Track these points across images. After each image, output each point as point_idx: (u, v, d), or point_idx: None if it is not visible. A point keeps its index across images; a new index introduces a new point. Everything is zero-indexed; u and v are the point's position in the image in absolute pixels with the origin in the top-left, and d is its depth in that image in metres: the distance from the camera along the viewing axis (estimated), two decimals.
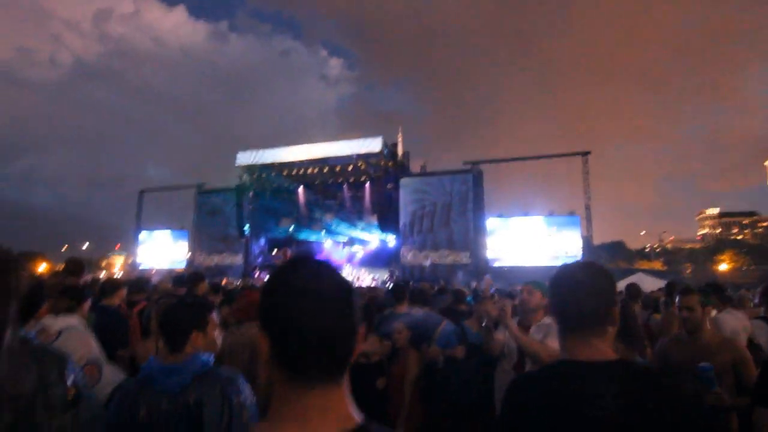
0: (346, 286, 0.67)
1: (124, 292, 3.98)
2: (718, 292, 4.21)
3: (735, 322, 3.70)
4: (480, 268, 16.52)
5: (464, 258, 16.84)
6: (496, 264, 17.02)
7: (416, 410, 3.20)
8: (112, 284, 3.96)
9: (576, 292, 1.07)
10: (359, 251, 20.85)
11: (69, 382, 1.30)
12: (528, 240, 16.91)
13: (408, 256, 17.74)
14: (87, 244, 39.28)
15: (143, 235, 23.30)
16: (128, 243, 25.40)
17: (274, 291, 0.67)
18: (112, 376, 2.31)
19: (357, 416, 0.65)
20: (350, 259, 20.23)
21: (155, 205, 24.35)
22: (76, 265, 3.97)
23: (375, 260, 19.28)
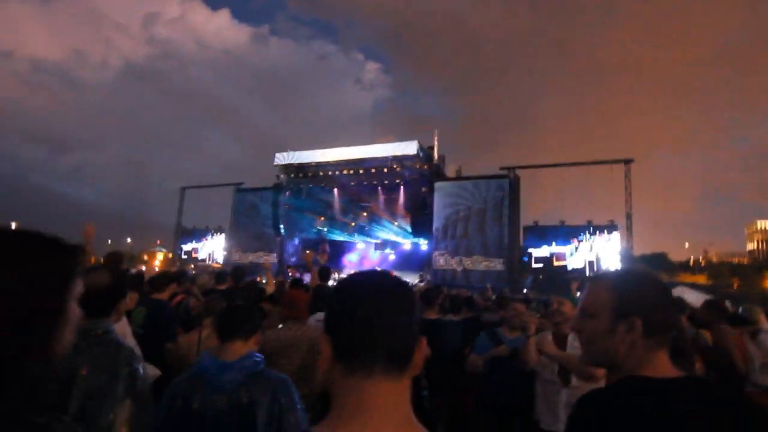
0: (407, 287, 0.73)
1: (174, 286, 4.06)
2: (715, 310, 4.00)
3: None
4: (514, 275, 16.22)
5: (498, 265, 16.54)
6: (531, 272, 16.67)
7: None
8: (162, 278, 3.96)
9: (663, 298, 1.00)
10: (391, 254, 20.91)
11: (137, 376, 1.39)
12: (565, 249, 16.48)
13: (440, 260, 17.58)
14: (129, 239, 41.17)
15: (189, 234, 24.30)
16: (169, 238, 26.44)
17: (343, 289, 0.72)
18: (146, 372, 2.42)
19: (414, 418, 0.67)
20: (382, 262, 20.31)
21: (196, 202, 25.32)
22: (114, 258, 4.14)
23: (407, 264, 19.22)
